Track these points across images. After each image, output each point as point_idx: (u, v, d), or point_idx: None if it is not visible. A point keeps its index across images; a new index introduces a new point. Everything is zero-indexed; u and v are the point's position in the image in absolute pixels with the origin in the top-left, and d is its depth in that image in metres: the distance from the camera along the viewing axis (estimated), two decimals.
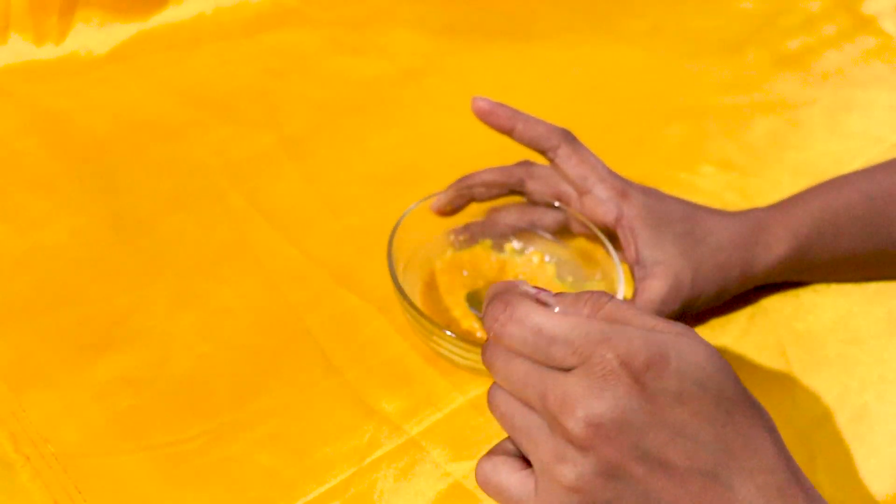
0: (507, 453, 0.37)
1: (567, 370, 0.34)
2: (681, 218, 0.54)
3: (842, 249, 0.57)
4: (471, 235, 0.58)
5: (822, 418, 0.52)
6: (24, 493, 0.44)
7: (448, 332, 0.48)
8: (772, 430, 0.35)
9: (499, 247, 0.58)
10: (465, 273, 0.56)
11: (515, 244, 0.58)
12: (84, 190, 0.62)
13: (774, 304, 0.59)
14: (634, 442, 0.33)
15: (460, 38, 0.84)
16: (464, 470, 0.47)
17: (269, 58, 0.79)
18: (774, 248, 0.55)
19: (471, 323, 0.53)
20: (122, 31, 0.77)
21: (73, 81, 0.73)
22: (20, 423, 0.47)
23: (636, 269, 0.53)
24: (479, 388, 0.51)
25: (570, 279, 0.57)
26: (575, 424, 0.33)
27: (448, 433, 0.49)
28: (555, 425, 0.34)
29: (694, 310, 0.54)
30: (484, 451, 0.48)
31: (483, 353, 0.37)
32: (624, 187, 0.54)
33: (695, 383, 0.33)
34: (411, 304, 0.49)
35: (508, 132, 0.56)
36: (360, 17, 0.85)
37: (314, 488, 0.46)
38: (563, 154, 0.55)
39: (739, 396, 0.34)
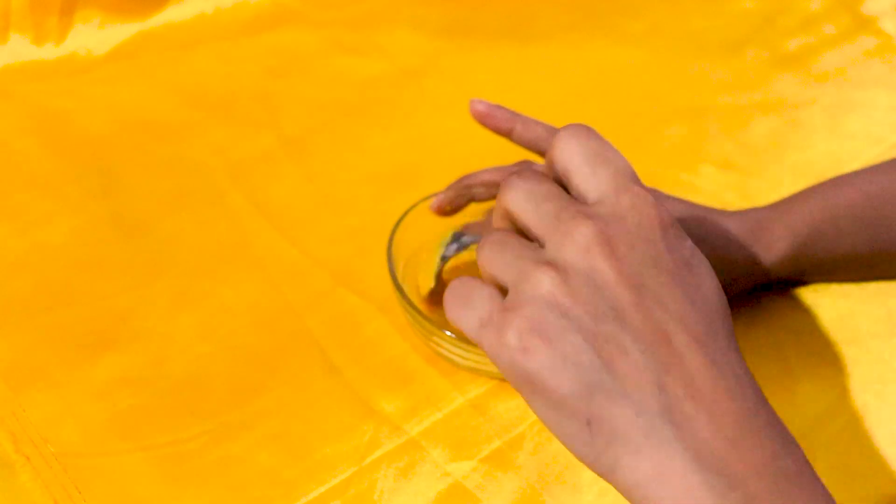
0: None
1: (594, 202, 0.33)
2: (680, 218, 0.54)
3: (842, 249, 0.57)
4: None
5: (822, 418, 0.52)
6: (24, 493, 0.44)
7: (448, 333, 0.48)
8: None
9: None
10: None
11: None
12: (84, 190, 0.62)
13: (774, 304, 0.59)
14: (637, 269, 0.31)
15: (460, 38, 0.84)
16: (464, 470, 0.47)
17: (269, 58, 0.79)
18: (774, 248, 0.55)
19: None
20: (122, 31, 0.77)
21: (73, 81, 0.73)
22: (20, 423, 0.47)
23: None
24: (479, 388, 0.52)
25: None
26: (587, 229, 0.31)
27: (448, 433, 0.49)
28: (559, 236, 0.31)
29: None
30: (484, 452, 0.48)
31: (512, 175, 0.35)
32: None
33: (703, 265, 0.32)
34: (411, 305, 0.49)
35: (507, 134, 0.56)
36: (360, 17, 0.85)
37: (314, 488, 0.46)
38: None
39: (730, 318, 0.33)
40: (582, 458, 0.31)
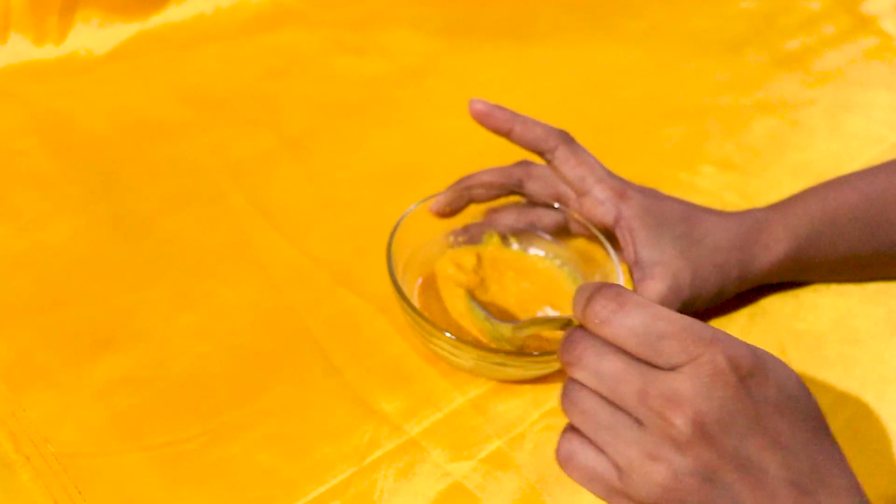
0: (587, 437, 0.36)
1: (669, 369, 0.33)
2: (679, 218, 0.54)
3: (841, 250, 0.57)
4: (470, 237, 0.58)
5: None
6: (24, 493, 0.44)
7: (447, 334, 0.48)
8: (844, 456, 0.35)
9: (506, 244, 0.58)
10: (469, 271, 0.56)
11: (515, 245, 0.58)
12: (84, 190, 0.62)
13: (774, 304, 0.59)
14: (735, 445, 0.33)
15: (460, 38, 0.84)
16: (464, 470, 0.47)
17: (269, 58, 0.79)
18: (773, 249, 0.55)
19: (469, 322, 0.53)
20: (122, 31, 0.77)
21: (73, 81, 0.73)
22: (20, 423, 0.47)
23: (635, 269, 0.53)
24: (478, 388, 0.52)
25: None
26: (682, 422, 0.32)
27: (448, 433, 0.49)
28: (653, 422, 0.33)
29: (692, 310, 0.54)
30: (484, 452, 0.48)
31: (568, 347, 0.36)
32: (622, 188, 0.54)
33: (790, 397, 0.34)
34: (410, 306, 0.49)
35: (506, 134, 0.56)
36: (360, 17, 0.85)
37: (314, 488, 0.46)
38: (561, 155, 0.55)
39: (822, 418, 0.35)
40: None
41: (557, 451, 0.36)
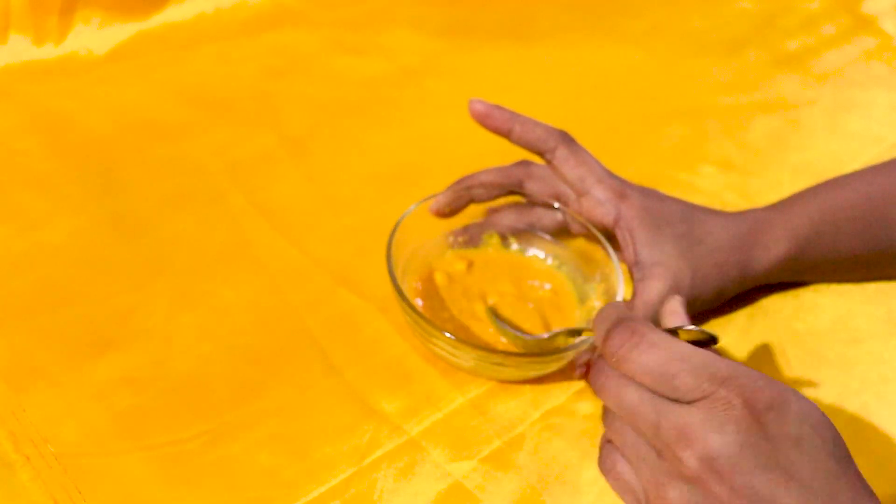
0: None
1: (687, 402, 0.34)
2: (679, 218, 0.54)
3: (840, 250, 0.57)
4: (470, 237, 0.58)
5: None
6: (24, 493, 0.44)
7: (447, 334, 0.48)
8: (868, 487, 0.35)
9: (505, 244, 0.58)
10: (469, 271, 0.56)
11: (514, 245, 0.58)
12: (84, 190, 0.62)
13: (774, 304, 0.59)
14: (747, 481, 0.32)
15: (460, 38, 0.84)
16: (464, 470, 0.47)
17: (269, 58, 0.79)
18: (773, 249, 0.55)
19: (477, 326, 0.53)
20: (122, 31, 0.77)
21: (73, 81, 0.73)
22: (20, 423, 0.47)
23: (634, 269, 0.53)
24: (478, 388, 0.52)
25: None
26: (689, 457, 0.33)
27: (448, 433, 0.49)
28: (667, 454, 0.34)
29: (693, 310, 0.54)
30: (484, 452, 0.48)
31: (594, 376, 0.38)
32: (622, 188, 0.54)
33: (813, 429, 0.33)
34: (410, 307, 0.49)
35: (506, 134, 0.56)
36: (360, 17, 0.85)
37: (314, 488, 0.46)
38: (561, 156, 0.55)
39: (845, 451, 0.34)
40: None
41: (600, 459, 0.39)
